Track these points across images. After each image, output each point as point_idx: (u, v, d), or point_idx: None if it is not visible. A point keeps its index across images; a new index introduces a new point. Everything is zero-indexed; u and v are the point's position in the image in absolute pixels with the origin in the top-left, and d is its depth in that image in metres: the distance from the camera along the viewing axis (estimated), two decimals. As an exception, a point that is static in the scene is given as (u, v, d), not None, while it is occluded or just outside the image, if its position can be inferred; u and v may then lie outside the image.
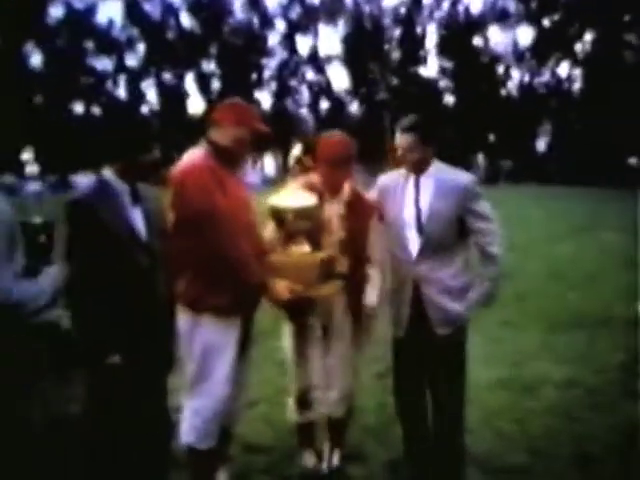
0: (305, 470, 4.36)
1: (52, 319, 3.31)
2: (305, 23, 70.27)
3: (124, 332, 3.25)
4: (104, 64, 67.67)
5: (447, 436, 4.16)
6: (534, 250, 14.46)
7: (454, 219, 3.96)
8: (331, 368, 4.16)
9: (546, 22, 64.08)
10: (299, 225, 3.81)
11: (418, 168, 4.02)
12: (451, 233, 3.99)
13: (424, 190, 4.02)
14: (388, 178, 4.25)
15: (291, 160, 4.26)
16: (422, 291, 4.03)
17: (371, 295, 4.09)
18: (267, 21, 70.73)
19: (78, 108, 65.01)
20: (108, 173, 3.40)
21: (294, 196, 4.01)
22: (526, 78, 67.85)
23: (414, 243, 4.02)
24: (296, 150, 4.21)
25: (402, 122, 4.04)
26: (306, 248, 3.85)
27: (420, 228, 4.00)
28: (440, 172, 4.04)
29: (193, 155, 3.71)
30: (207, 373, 3.70)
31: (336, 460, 4.38)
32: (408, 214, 4.02)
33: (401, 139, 4.00)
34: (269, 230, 4.08)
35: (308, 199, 3.93)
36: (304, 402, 4.27)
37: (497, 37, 77.68)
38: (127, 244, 3.33)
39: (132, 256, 3.33)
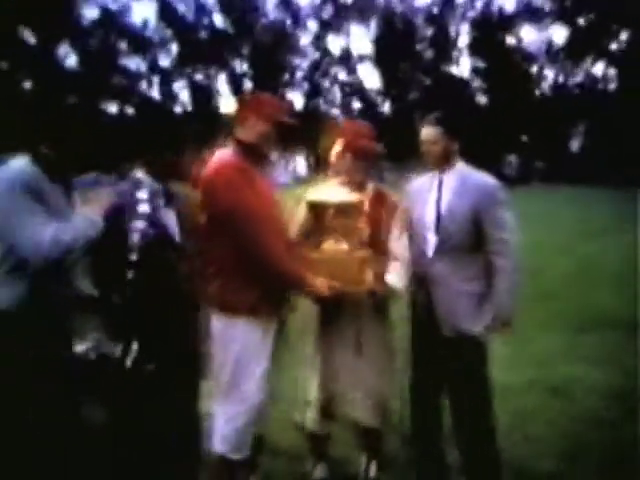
0: None
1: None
2: (337, 23, 70.12)
3: (157, 338, 3.21)
4: (137, 64, 68.19)
5: (472, 443, 4.07)
6: (562, 249, 14.29)
7: (472, 220, 3.89)
8: (362, 375, 4.07)
9: (581, 21, 63.26)
10: (338, 221, 3.76)
11: (441, 163, 3.98)
12: (468, 234, 3.93)
13: (446, 189, 3.99)
14: (418, 182, 4.23)
15: (332, 157, 4.18)
16: (435, 292, 3.95)
17: (390, 277, 3.97)
18: (299, 21, 70.66)
19: (111, 108, 65.59)
20: (141, 173, 3.37)
21: (335, 192, 3.98)
22: (560, 78, 67.05)
23: (431, 243, 4.00)
24: (338, 145, 4.14)
25: (427, 117, 4.01)
26: (344, 245, 3.79)
27: (438, 228, 3.94)
28: (464, 172, 4.00)
29: (222, 155, 3.69)
30: (242, 378, 3.62)
31: (373, 471, 4.29)
32: (429, 214, 4.00)
33: (424, 131, 4.00)
34: (298, 226, 4.04)
35: (350, 195, 3.89)
36: (327, 412, 4.17)
37: (531, 36, 76.84)
38: (161, 245, 3.30)
39: (165, 258, 3.30)
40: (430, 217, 4.02)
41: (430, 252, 4.01)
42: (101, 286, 3.22)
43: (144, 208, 3.21)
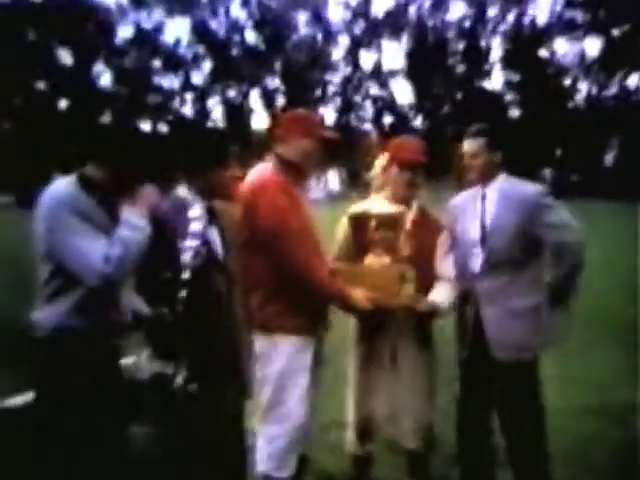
0: None
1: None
2: (368, 38, 70.30)
3: (202, 357, 3.20)
4: (171, 82, 68.93)
5: (526, 468, 3.98)
6: (607, 266, 14.07)
7: (520, 233, 3.82)
8: (401, 396, 4.01)
9: (615, 32, 62.75)
10: (380, 234, 3.73)
11: (483, 177, 3.92)
12: (517, 248, 3.84)
13: (489, 203, 3.92)
14: (459, 198, 4.17)
15: (376, 170, 4.15)
16: (483, 309, 3.88)
17: (437, 295, 3.91)
18: (331, 37, 70.96)
19: (145, 126, 66.36)
20: (183, 190, 3.37)
21: (377, 204, 3.97)
22: (594, 90, 66.54)
23: (477, 258, 3.91)
24: (382, 160, 4.11)
25: (468, 130, 3.95)
26: (386, 259, 3.76)
27: (484, 243, 3.87)
28: (506, 184, 3.93)
29: (262, 170, 3.66)
30: (284, 397, 3.59)
31: None
32: (474, 229, 3.92)
33: (467, 144, 3.92)
34: (340, 242, 4.01)
35: (391, 207, 3.87)
36: (364, 433, 4.11)
37: (564, 49, 76.34)
38: (206, 264, 3.29)
39: (209, 277, 3.29)
40: (475, 232, 3.95)
41: (477, 268, 3.93)
42: (153, 304, 3.21)
43: (196, 226, 3.20)
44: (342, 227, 4.05)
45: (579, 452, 4.92)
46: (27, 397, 4.94)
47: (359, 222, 3.84)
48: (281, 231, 3.48)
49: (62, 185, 2.94)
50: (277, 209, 3.50)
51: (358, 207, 4.08)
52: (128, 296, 3.17)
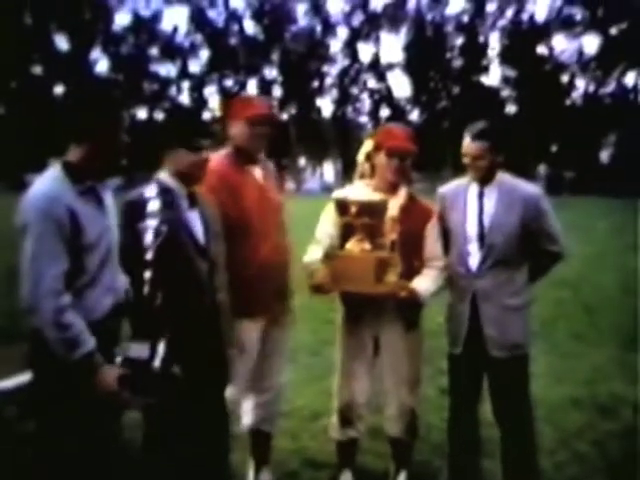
0: None
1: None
2: (367, 30, 70.30)
3: (184, 341, 3.20)
4: (168, 70, 68.90)
5: (517, 460, 4.01)
6: (601, 262, 14.13)
7: (519, 233, 3.82)
8: (384, 384, 4.04)
9: (613, 30, 62.86)
10: (361, 220, 3.74)
11: (485, 177, 3.90)
12: (514, 248, 3.84)
13: (488, 201, 3.89)
14: (449, 188, 4.14)
15: (360, 156, 4.16)
16: (480, 306, 3.90)
17: (419, 282, 3.88)
18: (329, 28, 70.96)
19: (141, 113, 66.30)
20: (165, 175, 3.37)
21: (360, 191, 3.98)
22: (591, 87, 66.69)
23: (475, 256, 3.88)
24: (366, 146, 4.11)
25: (472, 128, 3.89)
26: (366, 245, 3.77)
27: (482, 241, 3.87)
28: (505, 183, 3.91)
29: (213, 158, 3.74)
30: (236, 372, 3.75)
31: None
32: (471, 226, 3.90)
33: (470, 146, 3.86)
34: (327, 227, 4.02)
35: (374, 195, 3.88)
36: (346, 419, 4.14)
37: (562, 45, 76.41)
38: (186, 248, 3.29)
39: (191, 261, 3.30)
40: (472, 230, 3.91)
41: (474, 266, 3.92)
42: (131, 288, 3.21)
43: (154, 206, 3.15)
44: (329, 211, 4.04)
45: (566, 443, 4.95)
46: (21, 379, 5.01)
47: (340, 207, 3.84)
48: (220, 216, 3.61)
49: (46, 183, 2.90)
50: (214, 196, 3.64)
51: (341, 192, 4.09)
52: (122, 278, 3.17)
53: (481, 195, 3.92)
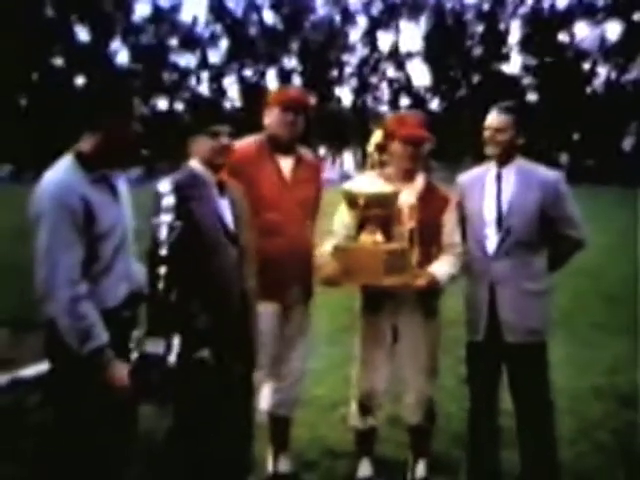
0: None
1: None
2: (386, 19, 70.01)
3: (213, 327, 3.22)
4: (187, 60, 69.03)
5: (536, 449, 3.99)
6: (620, 252, 14.01)
7: (537, 216, 3.79)
8: (402, 372, 4.05)
9: (636, 16, 62.16)
10: (371, 212, 3.73)
11: (503, 155, 3.89)
12: (532, 230, 3.81)
13: (506, 184, 3.87)
14: (467, 176, 4.14)
15: (370, 147, 4.16)
16: (497, 291, 3.88)
17: (438, 267, 3.87)
18: (348, 17, 70.76)
19: (161, 104, 66.53)
20: (195, 163, 3.39)
21: (369, 182, 3.96)
22: (613, 75, 66.05)
23: (492, 240, 3.85)
24: (377, 137, 4.11)
25: (499, 104, 3.94)
26: (378, 237, 3.76)
27: (500, 223, 3.85)
28: (523, 166, 3.91)
29: (241, 143, 3.82)
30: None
31: (421, 470, 4.21)
32: (488, 209, 3.88)
33: (494, 118, 3.85)
34: (343, 218, 4.02)
35: (383, 186, 3.86)
36: (365, 407, 4.15)
37: (583, 32, 75.59)
38: (217, 235, 3.30)
39: (222, 248, 3.31)
40: (490, 213, 3.89)
41: (491, 249, 3.89)
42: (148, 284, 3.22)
43: (169, 201, 3.16)
44: (344, 202, 4.03)
45: (586, 433, 4.93)
46: (40, 368, 5.07)
47: (349, 199, 3.84)
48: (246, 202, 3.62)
49: (59, 173, 2.91)
50: (237, 175, 3.66)
51: (351, 184, 4.08)
52: (137, 267, 3.19)
53: (499, 177, 3.91)
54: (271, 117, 4.04)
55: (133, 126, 3.01)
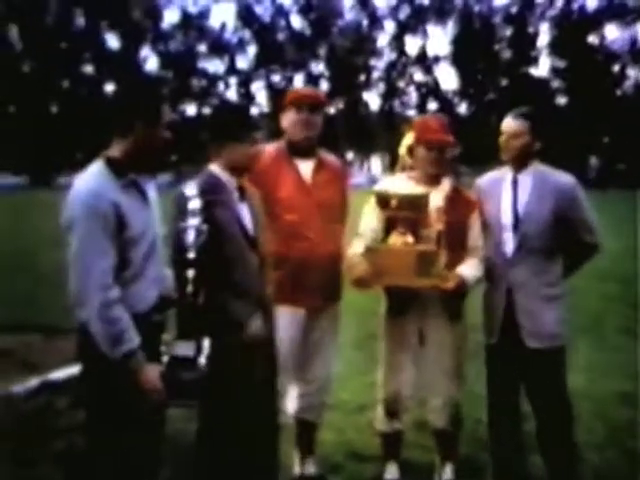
0: None
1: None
2: (414, 23, 69.80)
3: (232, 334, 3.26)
4: (216, 66, 69.35)
5: (556, 453, 4.00)
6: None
7: (554, 221, 3.83)
8: (429, 376, 4.06)
9: (667, 18, 61.39)
10: (402, 213, 3.76)
11: (518, 159, 3.91)
12: (548, 237, 3.87)
13: (522, 189, 3.92)
14: (485, 179, 4.18)
15: (402, 149, 4.19)
16: (515, 296, 3.90)
17: (464, 269, 3.90)
18: (376, 22, 70.63)
19: (190, 110, 66.94)
20: (216, 168, 3.42)
21: (400, 184, 3.99)
22: (643, 77, 65.26)
23: (510, 244, 3.91)
24: (408, 139, 4.14)
25: (515, 110, 3.98)
26: (409, 239, 3.78)
27: (516, 229, 3.89)
28: (539, 171, 3.95)
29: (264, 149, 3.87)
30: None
31: (449, 474, 4.22)
32: (505, 214, 3.93)
33: (509, 124, 3.91)
34: (370, 221, 4.03)
35: (415, 188, 3.90)
36: (391, 411, 4.17)
37: (613, 34, 74.80)
38: (239, 241, 3.34)
39: (244, 253, 3.34)
40: (507, 218, 3.94)
41: (509, 254, 3.92)
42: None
43: (195, 204, 3.19)
44: (372, 205, 4.05)
45: (614, 439, 4.91)
46: (70, 371, 5.14)
47: (381, 200, 3.87)
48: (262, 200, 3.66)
49: (91, 179, 2.96)
50: (256, 180, 3.67)
51: (382, 185, 4.12)
52: (166, 272, 3.22)
53: (515, 183, 3.95)
54: (287, 118, 4.09)
55: (162, 132, 3.06)
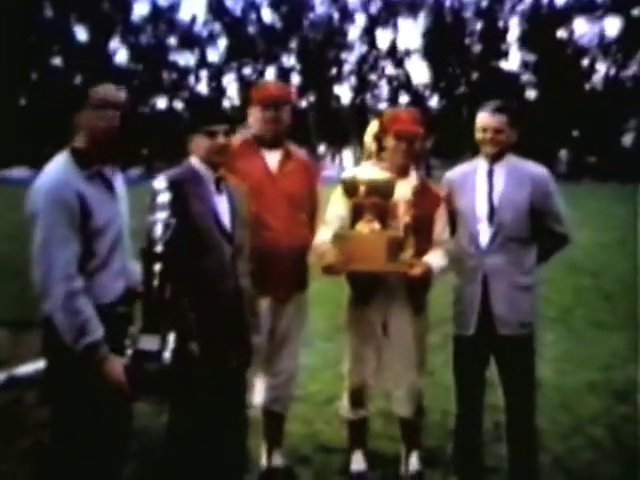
0: (353, 475, 4.27)
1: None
2: (385, 17, 69.90)
3: (204, 322, 3.25)
4: (186, 59, 68.97)
5: (520, 442, 4.04)
6: (621, 249, 14.01)
7: (527, 210, 3.87)
8: (393, 365, 4.08)
9: (635, 12, 62.03)
10: (370, 200, 3.77)
11: (497, 154, 3.93)
12: (524, 225, 3.90)
13: (497, 179, 3.95)
14: (456, 172, 4.20)
15: (367, 138, 4.20)
16: (490, 285, 3.92)
17: (430, 258, 3.94)
18: (347, 15, 70.62)
19: (161, 103, 66.57)
20: (195, 160, 3.41)
21: (368, 171, 4.00)
22: (612, 71, 65.95)
23: (485, 234, 3.93)
24: (373, 127, 4.15)
25: (490, 104, 3.97)
26: (376, 225, 3.80)
27: (492, 219, 3.91)
28: (515, 162, 3.99)
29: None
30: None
31: (414, 463, 4.25)
32: (480, 204, 3.95)
33: (492, 119, 3.90)
34: (337, 209, 4.04)
35: (381, 174, 3.91)
36: (356, 399, 4.21)
37: (582, 29, 75.46)
38: (212, 233, 3.33)
39: (215, 245, 3.33)
40: (482, 208, 3.95)
41: (484, 244, 3.93)
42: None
43: (164, 198, 3.16)
44: (338, 194, 4.06)
45: (581, 428, 4.96)
46: (38, 366, 5.09)
47: (349, 187, 3.88)
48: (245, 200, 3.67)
49: (54, 170, 2.94)
50: (231, 172, 3.68)
51: (349, 173, 4.13)
52: (132, 264, 3.20)
53: (490, 173, 3.97)
54: (254, 116, 4.13)
55: (110, 119, 3.02)
